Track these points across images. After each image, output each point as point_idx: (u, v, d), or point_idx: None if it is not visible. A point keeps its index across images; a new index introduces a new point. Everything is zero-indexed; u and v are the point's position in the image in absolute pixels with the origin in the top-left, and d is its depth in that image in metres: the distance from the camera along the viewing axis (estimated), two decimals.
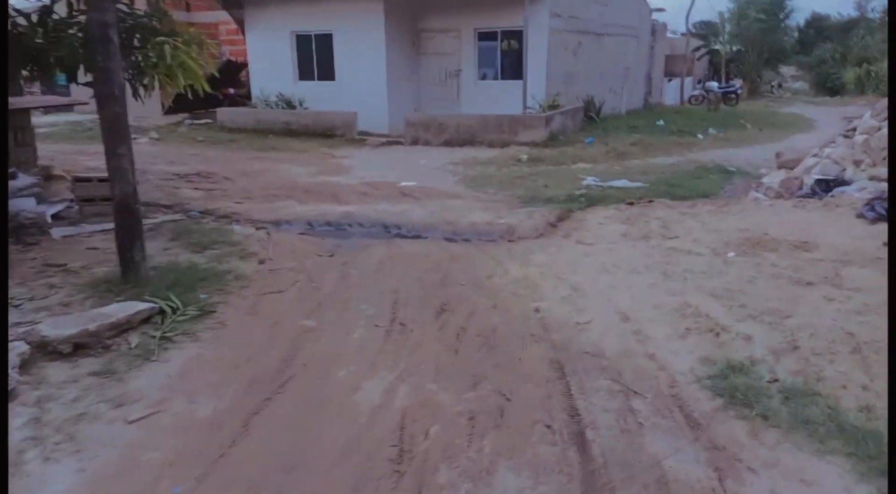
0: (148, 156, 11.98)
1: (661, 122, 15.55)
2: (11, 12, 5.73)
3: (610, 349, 3.81)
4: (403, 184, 9.41)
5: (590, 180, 9.23)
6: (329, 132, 14.21)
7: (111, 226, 5.16)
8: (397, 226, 6.94)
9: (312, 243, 6.29)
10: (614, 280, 4.97)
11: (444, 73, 15.42)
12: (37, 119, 18.29)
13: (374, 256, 5.83)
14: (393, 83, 14.83)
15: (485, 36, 14.90)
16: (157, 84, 6.95)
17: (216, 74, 18.05)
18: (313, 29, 15.29)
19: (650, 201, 7.79)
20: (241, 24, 16.48)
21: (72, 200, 7.29)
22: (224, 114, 15.67)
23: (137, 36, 6.48)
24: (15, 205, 6.64)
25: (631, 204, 7.67)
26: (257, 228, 6.75)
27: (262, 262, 5.60)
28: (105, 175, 7.52)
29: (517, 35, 13.80)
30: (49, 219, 6.75)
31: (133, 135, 14.48)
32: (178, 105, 17.47)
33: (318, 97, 15.38)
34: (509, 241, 6.30)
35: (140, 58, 6.45)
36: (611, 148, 11.97)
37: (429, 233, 6.70)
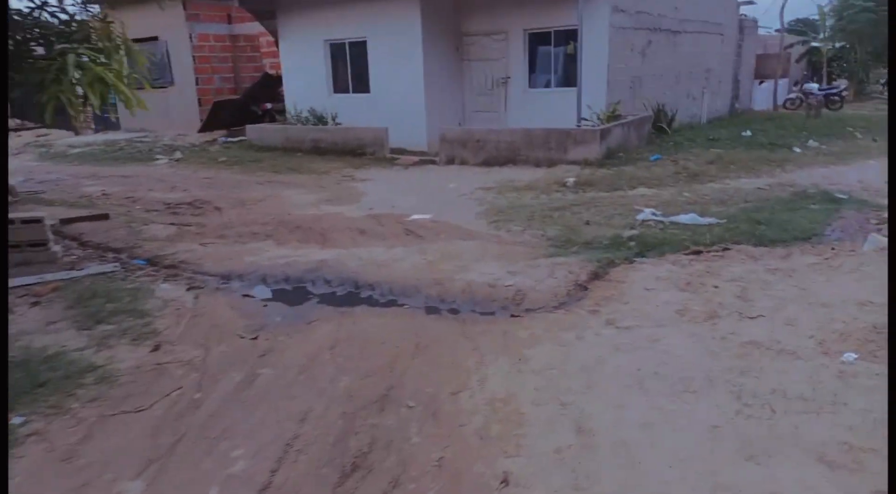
0: (153, 181, 10.92)
1: (748, 132, 13.09)
2: None
3: None
4: (414, 217, 7.74)
5: (647, 213, 7.21)
6: (359, 150, 12.77)
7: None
8: (372, 285, 5.25)
9: (246, 313, 4.71)
10: (652, 412, 3.07)
11: (489, 80, 13.67)
12: (76, 138, 18.06)
13: (312, 341, 4.17)
14: (432, 93, 13.22)
15: (537, 38, 13.04)
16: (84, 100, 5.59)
17: (257, 88, 17.26)
18: (347, 36, 13.94)
19: (725, 249, 5.73)
20: (275, 34, 15.39)
21: None
22: (254, 131, 14.57)
23: (41, 42, 5.15)
24: None
25: (697, 253, 5.65)
26: (190, 288, 5.25)
27: (156, 349, 4.06)
28: (36, 215, 6.33)
29: (574, 35, 11.87)
30: None
31: (158, 156, 13.66)
32: (216, 121, 16.63)
33: (352, 111, 13.99)
34: (513, 316, 4.48)
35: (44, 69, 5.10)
36: (681, 167, 9.81)
37: (408, 297, 4.97)
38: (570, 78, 12.58)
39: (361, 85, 14.06)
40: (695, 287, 4.72)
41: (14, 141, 18.35)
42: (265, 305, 4.91)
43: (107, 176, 11.80)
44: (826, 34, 27.17)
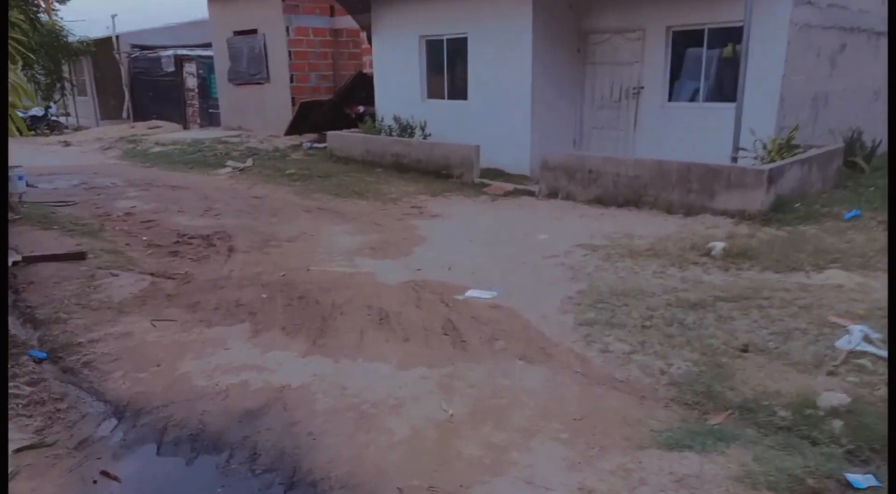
0: (196, 198, 9.30)
1: None
2: None
3: None
4: (472, 294, 5.27)
5: (856, 334, 4.21)
6: (444, 170, 10.43)
7: None
8: (317, 485, 2.85)
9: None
10: None
11: (617, 90, 10.76)
12: (171, 134, 17.31)
13: None
14: (541, 104, 10.59)
15: (684, 37, 9.96)
16: None
17: (350, 89, 15.48)
18: (445, 31, 11.64)
19: None
20: (368, 31, 13.45)
21: None
22: (334, 139, 12.71)
23: None
24: None
25: None
26: (38, 431, 3.14)
27: None
28: None
29: (735, 34, 8.73)
30: None
31: (227, 163, 12.17)
32: (304, 123, 15.07)
33: (446, 120, 11.70)
34: None
35: None
36: None
37: None
38: (725, 90, 9.43)
39: (458, 90, 11.71)
40: None
41: (114, 133, 18.02)
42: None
43: (159, 186, 10.40)
44: None
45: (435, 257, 6.37)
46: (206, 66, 18.91)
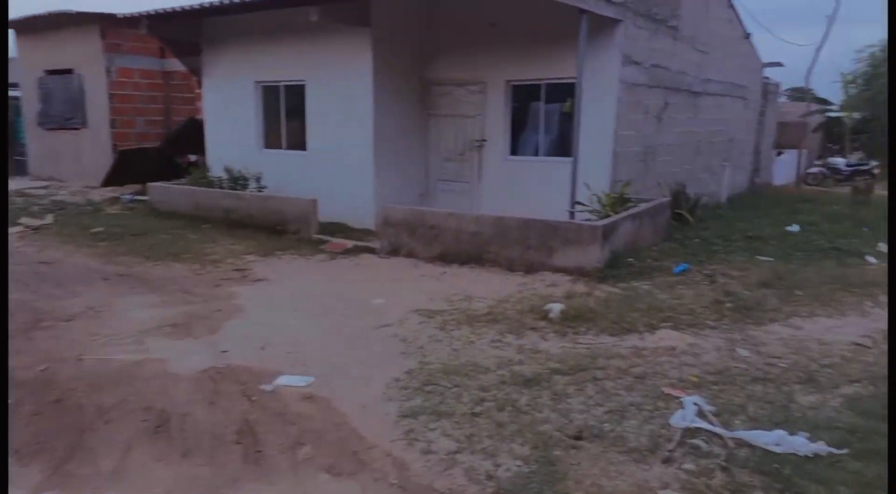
0: None
1: (796, 227, 9.97)
2: None
3: None
4: (282, 382, 4.49)
5: (690, 409, 3.96)
6: (279, 225, 9.57)
7: None
8: None
9: None
10: None
11: (461, 142, 10.63)
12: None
13: None
14: (385, 155, 10.16)
15: (524, 92, 10.07)
16: None
17: (181, 136, 14.18)
18: (282, 77, 10.95)
19: None
20: (197, 74, 12.44)
21: None
22: (157, 192, 11.40)
23: None
24: None
25: None
26: None
27: None
28: None
29: (573, 89, 8.87)
30: None
31: (21, 219, 10.23)
32: (124, 173, 13.50)
33: (285, 172, 10.90)
34: None
35: None
36: (721, 288, 6.60)
37: None
38: (566, 144, 9.55)
39: (298, 140, 10.99)
40: None
41: None
42: None
43: None
44: (849, 103, 24.59)
45: (249, 333, 5.50)
46: (13, 107, 16.62)
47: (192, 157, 13.45)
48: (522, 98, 10.13)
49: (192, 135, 13.28)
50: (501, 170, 10.25)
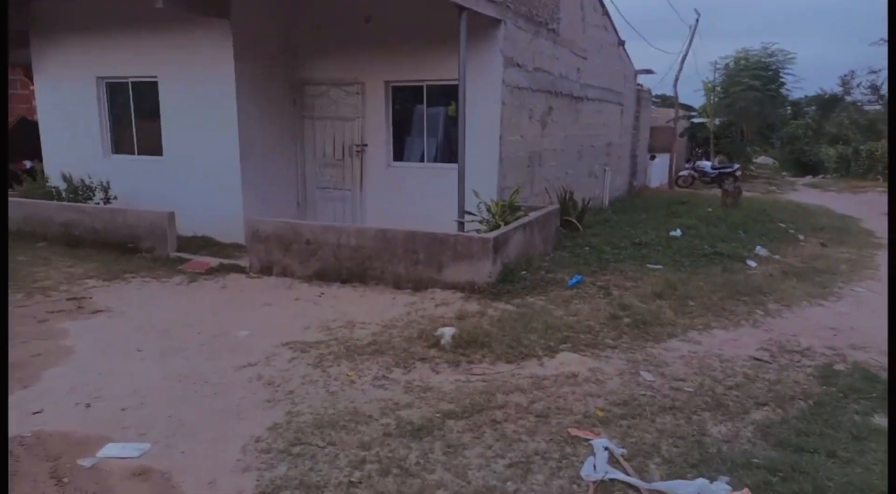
0: None
1: (678, 231, 10.10)
2: None
3: None
4: (109, 452, 3.54)
5: (600, 454, 3.49)
6: (131, 243, 8.30)
7: None
8: None
9: None
10: None
11: (340, 146, 9.82)
12: None
13: None
14: (254, 161, 9.15)
15: (406, 94, 9.45)
16: None
17: (13, 140, 12.24)
18: (130, 73, 9.61)
19: None
20: (27, 70, 10.74)
21: None
22: None
23: None
24: None
25: None
26: None
27: None
28: None
29: (456, 92, 8.35)
30: None
31: None
32: None
33: (139, 180, 9.57)
34: None
35: None
36: (617, 301, 6.32)
37: None
38: (452, 150, 9.04)
39: (152, 144, 9.69)
40: None
41: None
42: None
43: None
44: (711, 109, 26.30)
45: (75, 384, 4.44)
46: None
47: (28, 164, 11.62)
48: (405, 100, 9.51)
49: (28, 139, 11.45)
50: (385, 176, 9.57)
